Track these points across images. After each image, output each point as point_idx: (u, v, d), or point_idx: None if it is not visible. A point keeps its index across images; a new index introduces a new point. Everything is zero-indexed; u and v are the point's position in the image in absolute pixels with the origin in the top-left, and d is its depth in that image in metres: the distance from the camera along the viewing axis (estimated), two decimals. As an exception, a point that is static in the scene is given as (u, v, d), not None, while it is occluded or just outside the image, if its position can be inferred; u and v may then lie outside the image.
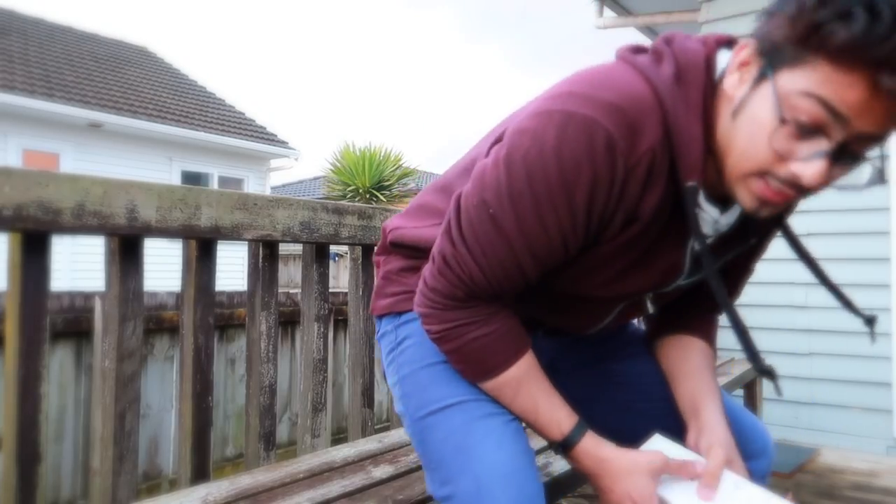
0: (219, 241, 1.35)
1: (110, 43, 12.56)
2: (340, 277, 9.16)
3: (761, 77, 0.72)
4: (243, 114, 12.39)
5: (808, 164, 0.69)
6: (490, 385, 0.90)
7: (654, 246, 0.87)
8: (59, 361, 2.61)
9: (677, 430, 0.98)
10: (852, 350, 3.05)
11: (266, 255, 1.45)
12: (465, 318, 0.86)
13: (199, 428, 1.33)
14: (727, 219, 0.88)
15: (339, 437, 3.32)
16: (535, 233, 0.80)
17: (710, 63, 0.79)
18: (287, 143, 12.09)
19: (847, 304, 0.94)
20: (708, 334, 1.09)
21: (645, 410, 1.08)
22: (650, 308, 1.01)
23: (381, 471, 1.24)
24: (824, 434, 3.12)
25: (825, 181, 0.70)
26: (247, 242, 1.42)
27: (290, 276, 9.43)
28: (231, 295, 3.31)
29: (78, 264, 7.81)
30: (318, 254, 1.57)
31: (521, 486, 0.85)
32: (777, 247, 3.47)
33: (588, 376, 1.14)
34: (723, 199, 0.85)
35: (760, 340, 3.59)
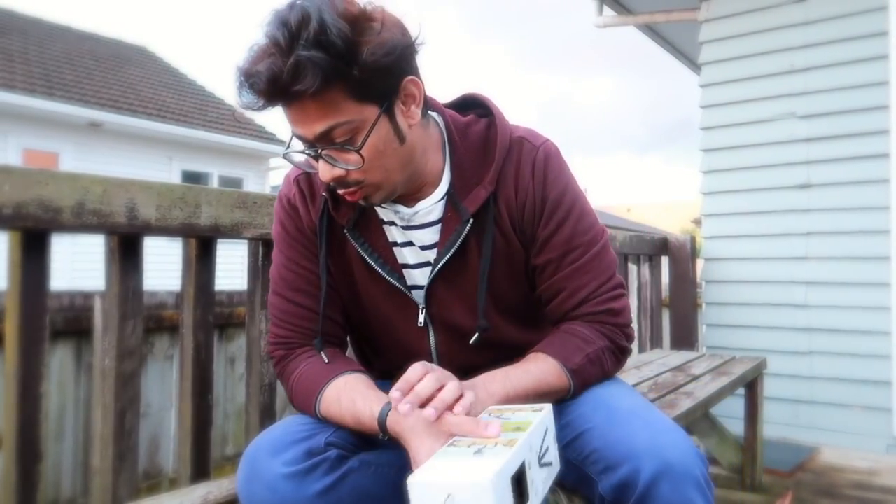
0: (218, 240, 1.35)
1: (110, 42, 12.54)
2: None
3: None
4: (242, 113, 12.37)
5: (320, 172, 0.95)
6: (322, 406, 0.99)
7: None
8: (59, 360, 2.60)
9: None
10: (852, 349, 3.05)
11: (266, 254, 1.45)
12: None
13: (199, 427, 1.33)
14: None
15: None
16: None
17: None
18: (286, 142, 12.08)
19: None
20: (542, 345, 1.04)
21: None
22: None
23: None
24: (824, 433, 3.12)
25: (330, 174, 0.94)
26: (246, 241, 1.42)
27: (290, 276, 9.41)
28: (231, 294, 3.31)
29: (78, 263, 7.80)
30: (318, 252, 1.57)
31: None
32: (776, 246, 3.49)
33: None
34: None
35: (761, 339, 3.57)
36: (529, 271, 1.08)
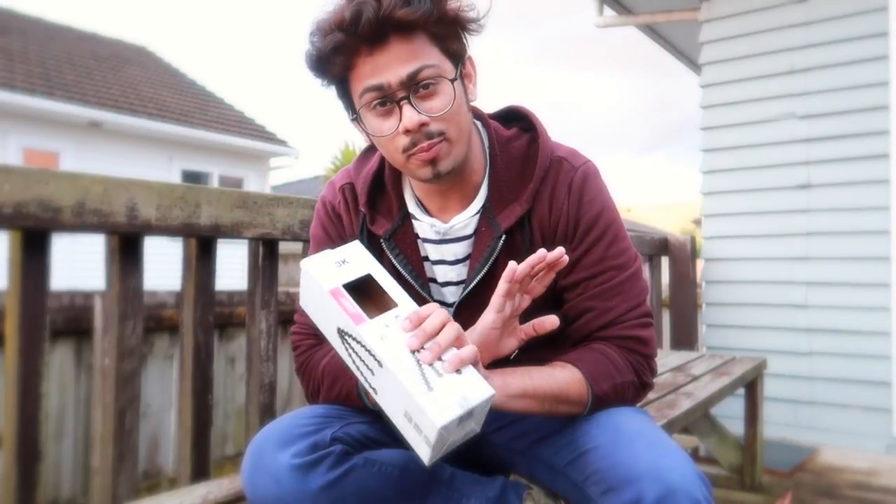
0: (219, 240, 1.35)
1: (110, 42, 12.55)
2: (340, 276, 9.12)
3: (355, 115, 1.00)
4: (242, 113, 12.39)
5: (404, 119, 0.94)
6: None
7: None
8: (59, 360, 2.60)
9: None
10: (852, 349, 3.05)
11: (266, 254, 1.45)
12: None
13: (199, 426, 1.33)
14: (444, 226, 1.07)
15: (339, 435, 3.31)
16: None
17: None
18: (286, 142, 12.09)
19: None
20: (571, 357, 1.01)
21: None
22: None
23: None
24: (824, 433, 3.12)
25: (417, 118, 0.94)
26: (247, 241, 1.42)
27: (290, 275, 9.40)
28: (231, 294, 3.31)
29: (78, 263, 7.80)
30: (318, 252, 1.57)
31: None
32: (776, 247, 3.49)
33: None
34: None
35: (761, 339, 3.57)
36: (557, 292, 1.05)
